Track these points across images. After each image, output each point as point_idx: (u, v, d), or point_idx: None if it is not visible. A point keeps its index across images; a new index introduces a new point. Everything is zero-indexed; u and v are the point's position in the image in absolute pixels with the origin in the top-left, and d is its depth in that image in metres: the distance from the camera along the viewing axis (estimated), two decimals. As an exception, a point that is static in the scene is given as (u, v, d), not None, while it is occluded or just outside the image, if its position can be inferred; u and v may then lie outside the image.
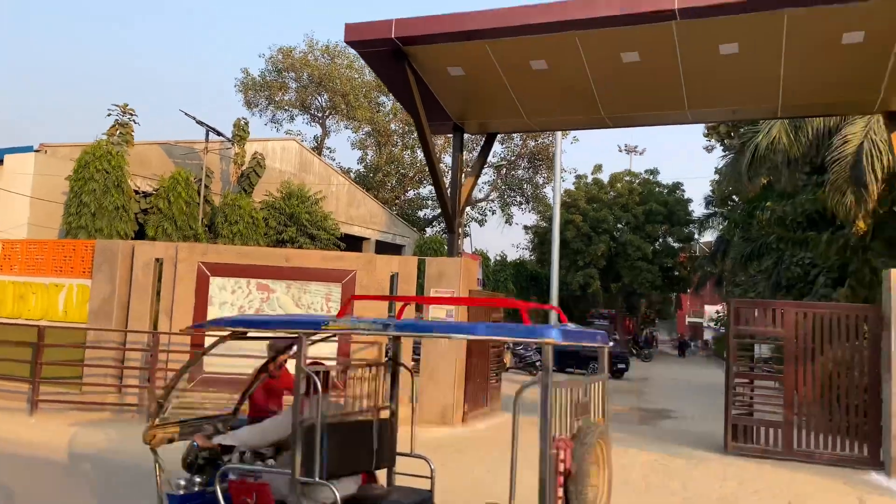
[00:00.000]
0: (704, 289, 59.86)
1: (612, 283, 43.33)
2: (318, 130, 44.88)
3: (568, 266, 40.49)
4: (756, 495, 7.91)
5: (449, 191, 12.42)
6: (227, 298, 11.77)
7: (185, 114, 23.29)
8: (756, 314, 10.29)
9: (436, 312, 11.86)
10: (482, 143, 14.36)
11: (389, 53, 10.27)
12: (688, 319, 78.31)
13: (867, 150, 12.64)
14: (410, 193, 43.72)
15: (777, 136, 15.26)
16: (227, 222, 22.47)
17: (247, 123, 25.65)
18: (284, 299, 11.76)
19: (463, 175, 13.07)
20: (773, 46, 9.03)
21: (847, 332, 9.84)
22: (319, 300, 11.80)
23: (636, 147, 60.03)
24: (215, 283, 11.76)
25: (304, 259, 12.05)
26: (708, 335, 67.80)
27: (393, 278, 12.05)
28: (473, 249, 39.64)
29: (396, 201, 42.37)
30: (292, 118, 43.90)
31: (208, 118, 26.10)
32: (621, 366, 26.10)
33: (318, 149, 44.69)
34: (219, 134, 24.04)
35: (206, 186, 22.91)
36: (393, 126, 41.69)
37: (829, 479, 8.84)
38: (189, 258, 11.83)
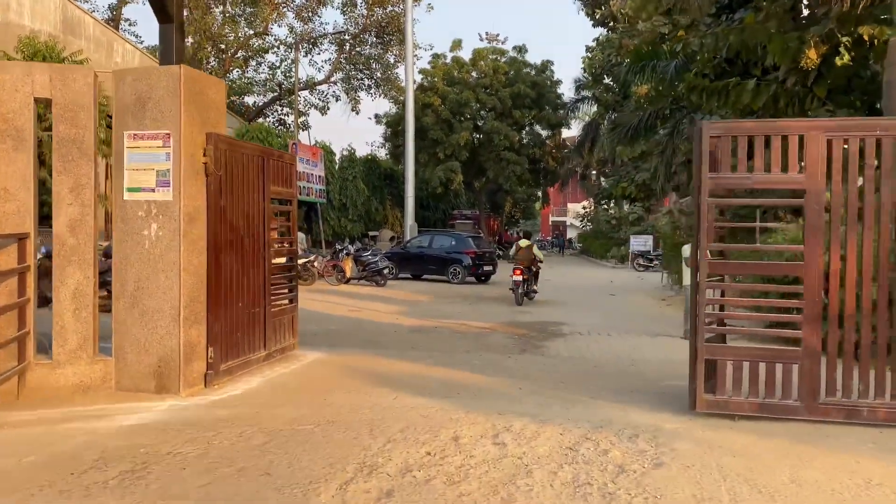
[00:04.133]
0: (567, 187, 57.23)
1: (475, 178, 38.70)
2: (112, -2, 35.59)
3: (427, 160, 35.16)
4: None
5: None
6: None
7: None
8: (746, 148, 5.29)
9: (138, 176, 6.00)
10: None
11: None
12: (552, 218, 76.51)
13: None
14: (235, 74, 35.98)
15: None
16: None
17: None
18: None
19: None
20: None
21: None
22: None
23: (497, 35, 54.39)
24: None
25: None
26: (571, 233, 66.29)
27: (43, 109, 6.02)
28: (314, 142, 33.13)
29: (217, 85, 34.60)
30: (75, -22, 34.21)
31: None
32: (488, 268, 21.47)
33: (115, 21, 35.62)
34: None
35: None
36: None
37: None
38: None
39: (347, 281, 19.00)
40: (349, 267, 19.19)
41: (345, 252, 20.06)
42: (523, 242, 16.12)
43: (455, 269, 20.65)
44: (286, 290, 7.80)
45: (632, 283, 22.40)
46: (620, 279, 24.18)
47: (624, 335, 10.78)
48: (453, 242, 21.57)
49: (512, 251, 15.98)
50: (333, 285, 18.48)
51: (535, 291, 15.86)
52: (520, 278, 15.00)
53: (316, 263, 18.37)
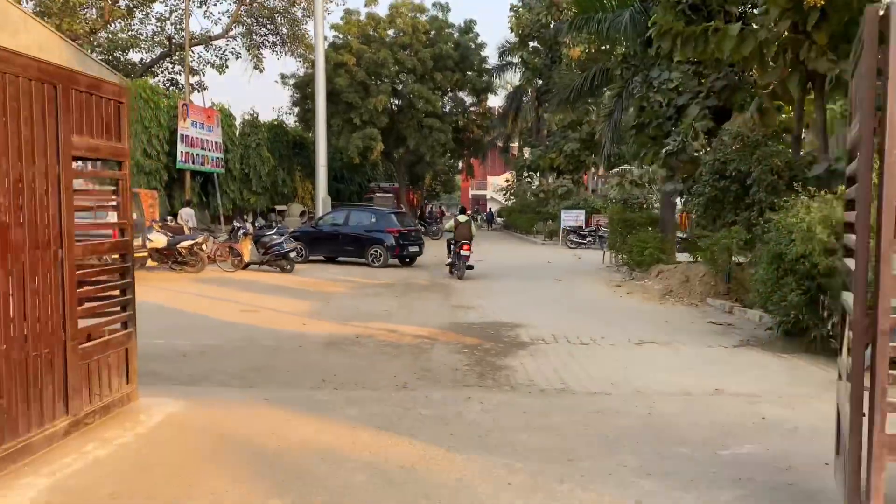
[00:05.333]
0: (487, 160, 54.94)
1: (395, 148, 35.63)
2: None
3: (341, 126, 31.77)
4: None
5: None
6: None
7: None
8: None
9: None
10: None
11: None
12: (471, 191, 74.36)
13: None
14: (117, 26, 31.24)
15: None
16: None
17: None
18: None
19: None
20: None
21: None
22: None
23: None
24: None
25: None
26: (492, 207, 64.40)
27: None
28: (210, 104, 29.12)
29: (94, 37, 29.92)
30: None
31: None
32: (414, 249, 18.72)
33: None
34: None
35: None
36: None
37: None
38: None
39: (246, 266, 15.84)
40: (247, 249, 16.01)
41: (243, 231, 16.81)
42: (462, 218, 15.99)
43: (376, 251, 17.79)
44: (115, 308, 4.80)
45: (571, 264, 20.24)
46: (556, 258, 22.02)
47: (600, 342, 8.34)
48: (374, 219, 18.64)
49: (449, 226, 16.70)
50: (229, 272, 15.31)
51: (472, 267, 15.72)
52: (468, 253, 15.29)
53: (205, 246, 15.06)
